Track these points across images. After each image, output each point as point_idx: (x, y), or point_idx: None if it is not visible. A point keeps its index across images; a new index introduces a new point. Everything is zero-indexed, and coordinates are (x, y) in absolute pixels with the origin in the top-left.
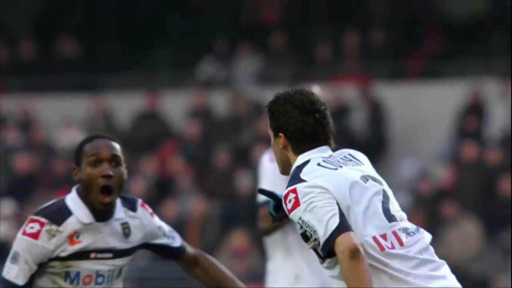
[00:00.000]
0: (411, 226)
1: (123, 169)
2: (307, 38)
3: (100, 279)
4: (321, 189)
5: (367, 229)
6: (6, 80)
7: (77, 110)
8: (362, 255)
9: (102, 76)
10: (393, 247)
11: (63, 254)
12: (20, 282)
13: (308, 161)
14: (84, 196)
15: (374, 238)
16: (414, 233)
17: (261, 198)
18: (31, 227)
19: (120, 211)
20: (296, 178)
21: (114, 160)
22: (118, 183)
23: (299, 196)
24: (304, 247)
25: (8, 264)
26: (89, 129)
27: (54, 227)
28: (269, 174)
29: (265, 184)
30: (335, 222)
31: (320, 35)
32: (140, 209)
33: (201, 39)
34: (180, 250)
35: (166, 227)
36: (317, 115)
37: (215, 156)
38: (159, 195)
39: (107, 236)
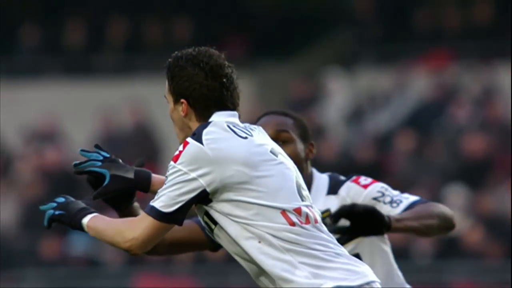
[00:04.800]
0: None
1: (297, 145)
2: None
3: None
4: (205, 167)
5: (277, 202)
6: (460, 46)
7: None
8: (135, 252)
9: None
10: (307, 222)
11: None
12: None
13: (217, 121)
14: None
15: (283, 212)
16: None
17: None
18: None
19: (317, 200)
20: (197, 134)
21: (280, 138)
22: None
23: (183, 154)
24: None
25: None
26: None
27: None
28: None
29: None
30: (166, 207)
31: None
32: (345, 187)
33: None
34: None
35: (392, 193)
36: (224, 80)
37: None
38: None
39: None
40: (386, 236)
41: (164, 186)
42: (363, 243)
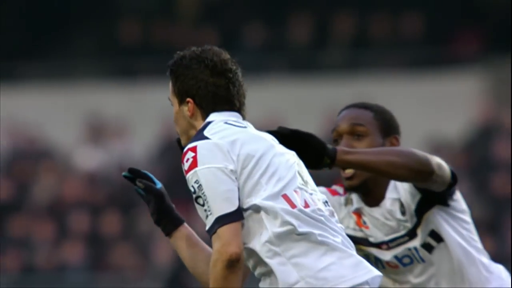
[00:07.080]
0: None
1: (374, 139)
2: None
3: (406, 260)
4: (223, 154)
5: (280, 183)
6: None
7: None
8: (240, 264)
9: None
10: (306, 206)
11: (351, 233)
12: None
13: (214, 120)
14: None
15: (284, 195)
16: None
17: None
18: (339, 186)
19: (393, 189)
20: (198, 136)
21: (355, 132)
22: None
23: (199, 156)
24: None
25: None
26: None
27: (350, 196)
28: None
29: None
30: (228, 207)
31: None
32: None
33: None
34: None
35: None
36: (230, 75)
37: None
38: None
39: (387, 221)
40: (454, 205)
41: (207, 197)
42: (433, 219)
